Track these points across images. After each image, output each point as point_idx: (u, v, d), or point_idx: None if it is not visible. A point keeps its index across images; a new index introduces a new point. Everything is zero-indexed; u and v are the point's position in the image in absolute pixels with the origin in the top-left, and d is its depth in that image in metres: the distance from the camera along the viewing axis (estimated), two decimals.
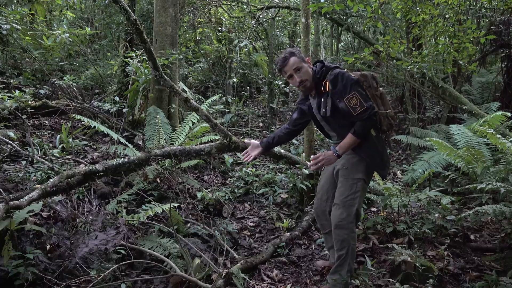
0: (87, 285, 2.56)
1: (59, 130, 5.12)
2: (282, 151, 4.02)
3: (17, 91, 4.69)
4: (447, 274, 2.88)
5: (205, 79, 8.44)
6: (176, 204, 3.37)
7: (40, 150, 4.23)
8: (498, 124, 4.48)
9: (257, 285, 2.88)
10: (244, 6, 8.26)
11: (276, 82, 7.09)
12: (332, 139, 2.86)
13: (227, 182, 4.76)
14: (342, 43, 10.49)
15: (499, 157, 4.03)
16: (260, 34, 8.76)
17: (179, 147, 3.58)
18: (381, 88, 2.76)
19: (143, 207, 3.48)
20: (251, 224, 3.93)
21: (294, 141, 6.10)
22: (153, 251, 2.98)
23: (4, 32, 4.91)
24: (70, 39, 6.31)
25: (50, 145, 4.58)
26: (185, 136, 4.58)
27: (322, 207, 2.88)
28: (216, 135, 4.52)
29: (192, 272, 2.81)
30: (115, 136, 4.33)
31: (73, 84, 6.17)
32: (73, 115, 4.54)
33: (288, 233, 3.57)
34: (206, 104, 5.39)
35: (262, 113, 8.06)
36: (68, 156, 4.16)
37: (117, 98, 5.46)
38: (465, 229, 3.52)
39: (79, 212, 3.38)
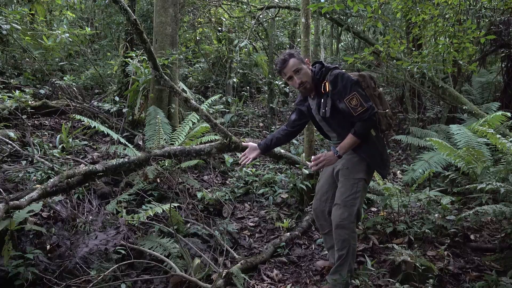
0: (87, 285, 2.56)
1: (59, 130, 5.12)
2: (282, 151, 4.02)
3: (17, 91, 4.69)
4: (447, 274, 2.88)
5: (205, 79, 8.44)
6: (176, 204, 3.37)
7: (40, 150, 4.23)
8: (498, 124, 4.48)
9: (257, 285, 2.88)
10: (244, 6, 8.26)
11: (276, 82, 7.09)
12: (331, 139, 2.86)
13: (227, 182, 4.77)
14: (342, 43, 10.49)
15: (499, 157, 4.03)
16: (260, 34, 8.76)
17: (179, 147, 3.58)
18: (380, 89, 2.76)
19: (143, 207, 3.48)
20: (251, 224, 3.93)
21: (294, 141, 6.10)
22: (153, 251, 2.98)
23: (4, 32, 4.91)
24: (70, 39, 6.31)
25: (50, 145, 4.58)
26: (185, 136, 4.58)
27: (321, 207, 2.88)
28: (216, 135, 4.52)
29: (192, 272, 2.81)
30: (115, 136, 4.33)
31: (73, 84, 6.17)
32: (73, 115, 4.54)
33: (288, 233, 3.57)
34: (206, 104, 5.39)
35: (262, 113, 8.06)
36: (68, 156, 4.16)
37: (117, 98, 5.47)
38: (465, 229, 3.52)
39: (79, 212, 3.38)
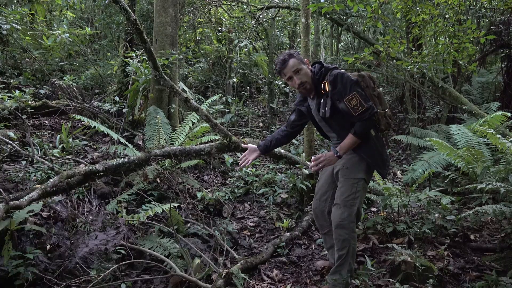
0: (87, 285, 2.56)
1: (59, 130, 5.13)
2: (282, 151, 4.02)
3: (17, 91, 4.69)
4: (447, 274, 2.88)
5: (205, 79, 8.44)
6: (176, 204, 3.37)
7: (40, 150, 4.23)
8: (498, 124, 4.48)
9: (257, 285, 2.88)
10: (244, 6, 8.27)
11: (276, 82, 7.09)
12: (331, 139, 2.86)
13: (227, 182, 4.77)
14: (342, 43, 10.49)
15: (499, 157, 4.03)
16: (260, 34, 8.76)
17: (179, 147, 3.58)
18: (379, 88, 2.76)
19: (143, 207, 3.48)
20: (251, 224, 3.93)
21: (294, 141, 6.10)
22: (153, 251, 2.98)
23: (4, 32, 4.92)
24: (70, 39, 6.32)
25: (50, 145, 4.58)
26: (185, 136, 4.58)
27: (321, 207, 2.88)
28: (216, 135, 4.52)
29: (192, 272, 2.81)
30: (115, 136, 4.33)
31: (73, 84, 6.17)
32: (73, 115, 4.54)
33: (288, 233, 3.57)
34: (206, 104, 5.39)
35: (262, 113, 8.06)
36: (68, 156, 4.16)
37: (117, 98, 5.47)
38: (465, 229, 3.52)
39: (79, 212, 3.39)
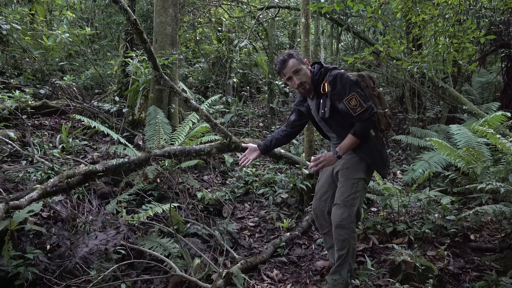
0: (87, 285, 2.56)
1: (59, 130, 5.13)
2: (282, 151, 4.02)
3: (17, 91, 4.69)
4: (447, 274, 2.88)
5: (205, 79, 8.44)
6: (176, 204, 3.37)
7: (40, 150, 4.23)
8: (498, 124, 4.48)
9: (257, 285, 2.88)
10: (244, 6, 8.27)
11: (276, 82, 7.09)
12: (331, 140, 2.86)
13: (227, 182, 4.77)
14: (342, 43, 10.49)
15: (499, 157, 4.03)
16: (260, 34, 8.76)
17: (179, 147, 3.58)
18: (379, 88, 2.76)
19: (143, 207, 3.48)
20: (251, 224, 3.93)
21: (294, 141, 6.10)
22: (153, 251, 2.98)
23: (4, 32, 4.91)
24: (70, 39, 6.31)
25: (50, 145, 4.58)
26: (185, 136, 4.58)
27: (321, 207, 2.88)
28: (216, 135, 4.52)
29: (192, 272, 2.81)
30: (115, 136, 4.33)
31: (73, 84, 6.17)
32: (73, 115, 4.54)
33: (288, 233, 3.57)
34: (206, 104, 5.39)
35: (262, 113, 8.06)
36: (68, 156, 4.16)
37: (117, 98, 5.47)
38: (465, 229, 3.52)
39: (79, 212, 3.39)
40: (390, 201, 3.54)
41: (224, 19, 8.44)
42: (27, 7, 6.54)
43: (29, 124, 4.93)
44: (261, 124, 7.38)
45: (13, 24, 5.04)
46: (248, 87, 8.14)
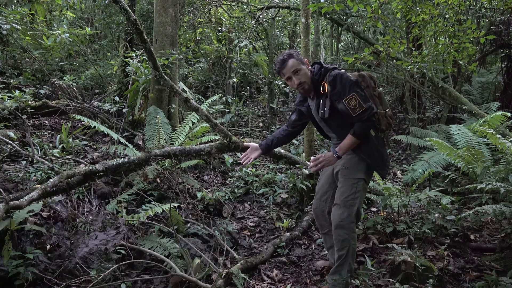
0: (87, 285, 2.56)
1: (59, 130, 5.13)
2: (282, 151, 4.01)
3: (17, 91, 4.69)
4: (447, 274, 2.88)
5: (205, 79, 8.44)
6: (176, 204, 3.37)
7: (40, 150, 4.23)
8: (498, 124, 4.48)
9: (257, 285, 2.88)
10: (244, 6, 8.27)
11: (276, 82, 7.09)
12: (331, 140, 2.86)
13: (227, 182, 4.77)
14: (342, 43, 10.49)
15: (499, 157, 4.03)
16: (260, 34, 8.76)
17: (179, 147, 3.57)
18: (380, 88, 2.76)
19: (143, 207, 3.48)
20: (251, 224, 3.93)
21: (294, 141, 6.10)
22: (153, 251, 2.98)
23: (4, 32, 4.91)
24: (70, 39, 6.31)
25: (50, 145, 4.58)
26: (185, 136, 4.58)
27: (321, 207, 2.88)
28: (216, 135, 4.52)
29: (192, 272, 2.81)
30: (115, 136, 4.33)
31: (73, 84, 6.17)
32: (73, 115, 4.54)
33: (288, 233, 3.57)
34: (206, 104, 5.39)
35: (262, 113, 8.06)
36: (68, 156, 4.16)
37: (117, 98, 5.47)
38: (465, 229, 3.52)
39: (79, 212, 3.39)
40: (390, 201, 3.54)
41: (224, 19, 8.44)
42: (27, 7, 6.54)
43: (29, 124, 4.93)
44: (261, 124, 7.38)
45: (13, 24, 5.04)
46: (248, 87, 8.14)
